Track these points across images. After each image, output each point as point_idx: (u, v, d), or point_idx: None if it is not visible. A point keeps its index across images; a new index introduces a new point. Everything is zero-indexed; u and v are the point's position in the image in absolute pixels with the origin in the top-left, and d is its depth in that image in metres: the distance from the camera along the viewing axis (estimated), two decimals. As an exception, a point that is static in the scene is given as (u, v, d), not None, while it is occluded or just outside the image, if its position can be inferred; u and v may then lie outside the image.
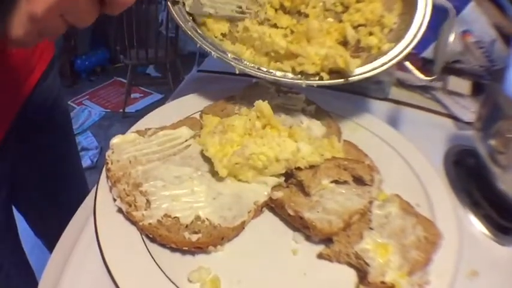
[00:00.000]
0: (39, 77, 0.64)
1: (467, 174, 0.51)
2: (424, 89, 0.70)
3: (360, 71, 0.48)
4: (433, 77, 0.52)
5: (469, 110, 0.63)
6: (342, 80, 0.48)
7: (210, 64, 0.81)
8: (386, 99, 0.68)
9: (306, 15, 0.55)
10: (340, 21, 0.54)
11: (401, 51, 0.48)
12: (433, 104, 0.67)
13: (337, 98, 0.65)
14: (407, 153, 0.51)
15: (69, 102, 2.79)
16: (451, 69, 0.68)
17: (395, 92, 0.69)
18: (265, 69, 0.50)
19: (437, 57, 0.53)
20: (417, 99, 0.68)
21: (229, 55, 0.51)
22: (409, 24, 0.50)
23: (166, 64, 2.65)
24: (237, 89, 0.56)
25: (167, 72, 2.65)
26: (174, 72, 2.63)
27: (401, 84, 0.71)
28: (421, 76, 0.52)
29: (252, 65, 0.51)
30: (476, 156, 0.49)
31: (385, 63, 0.48)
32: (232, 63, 0.50)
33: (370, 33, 0.52)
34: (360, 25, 0.53)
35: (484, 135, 0.47)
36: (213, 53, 0.50)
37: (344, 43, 0.53)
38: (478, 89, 0.66)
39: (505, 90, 0.44)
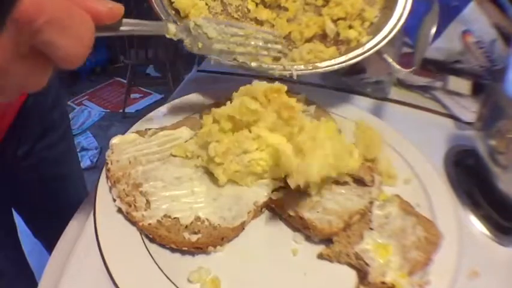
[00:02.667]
0: None
1: (467, 174, 0.51)
2: (424, 89, 0.70)
3: (336, 62, 0.50)
4: (412, 69, 0.52)
5: (469, 110, 0.63)
6: (319, 69, 0.50)
7: (210, 64, 0.80)
8: (386, 99, 0.68)
9: (286, 9, 0.56)
10: (320, 15, 0.55)
11: (378, 43, 0.50)
12: (433, 104, 0.67)
13: (337, 98, 0.65)
14: (407, 153, 0.51)
15: (69, 103, 2.78)
16: (451, 69, 0.68)
17: (395, 92, 0.69)
18: (240, 60, 0.50)
19: (418, 49, 0.54)
20: (417, 99, 0.68)
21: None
22: (389, 18, 0.51)
23: (166, 64, 2.65)
24: (237, 89, 0.56)
25: (167, 72, 2.65)
26: (174, 72, 2.63)
27: (401, 84, 0.71)
28: (399, 67, 0.52)
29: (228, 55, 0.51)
30: (476, 156, 0.49)
31: (360, 54, 0.50)
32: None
33: (350, 27, 0.53)
34: (339, 18, 0.54)
35: (484, 135, 0.47)
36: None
37: (323, 36, 0.55)
38: (478, 89, 0.65)
39: (505, 90, 0.44)
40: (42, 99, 0.66)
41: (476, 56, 0.65)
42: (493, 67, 0.64)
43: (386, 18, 0.51)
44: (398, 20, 0.50)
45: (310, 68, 0.50)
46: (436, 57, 0.68)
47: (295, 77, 0.50)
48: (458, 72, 0.67)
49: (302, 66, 0.51)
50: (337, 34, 0.54)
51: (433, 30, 0.51)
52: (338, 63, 0.50)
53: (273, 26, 0.56)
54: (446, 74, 0.68)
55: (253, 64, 0.50)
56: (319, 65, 0.50)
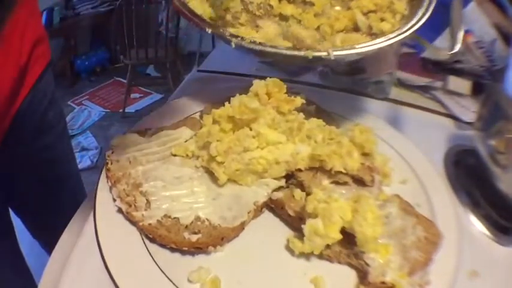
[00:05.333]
0: (34, 83, 0.64)
1: (467, 174, 0.51)
2: (424, 89, 0.70)
3: (376, 42, 0.45)
4: (454, 50, 0.49)
5: (469, 110, 0.63)
6: (358, 49, 0.44)
7: (210, 64, 0.81)
8: (386, 99, 0.68)
9: (312, 4, 0.53)
10: (349, 8, 0.53)
11: (415, 24, 0.46)
12: (433, 104, 0.67)
13: (337, 98, 0.65)
14: (407, 153, 0.51)
15: (69, 102, 2.79)
16: (451, 69, 0.68)
17: (395, 92, 0.69)
18: (267, 44, 0.45)
19: (455, 26, 0.50)
20: (417, 99, 0.68)
21: (227, 32, 0.47)
22: (418, 8, 0.48)
23: (166, 64, 2.65)
24: (237, 89, 0.56)
25: (167, 72, 2.65)
26: (174, 72, 2.63)
27: (401, 84, 0.71)
28: (440, 49, 0.50)
29: (252, 40, 0.45)
30: (476, 156, 0.48)
31: (400, 34, 0.45)
32: (228, 37, 0.46)
33: (382, 19, 0.51)
34: (370, 11, 0.52)
35: (484, 135, 0.47)
36: (207, 28, 0.46)
37: (355, 30, 0.52)
38: (478, 89, 0.65)
39: (505, 90, 0.44)
40: (38, 100, 0.66)
41: (476, 56, 0.65)
42: (493, 67, 0.64)
43: (416, 9, 0.49)
44: (429, 4, 0.48)
45: (348, 47, 0.45)
46: (436, 57, 0.68)
47: (332, 57, 0.43)
48: (458, 72, 0.67)
49: (339, 49, 0.45)
50: (370, 28, 0.51)
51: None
52: (379, 43, 0.44)
53: (299, 21, 0.53)
54: (446, 74, 0.68)
55: (284, 50, 0.44)
56: (357, 46, 0.45)
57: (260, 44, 0.44)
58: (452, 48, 0.49)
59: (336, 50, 0.43)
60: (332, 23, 0.51)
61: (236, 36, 0.45)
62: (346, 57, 0.45)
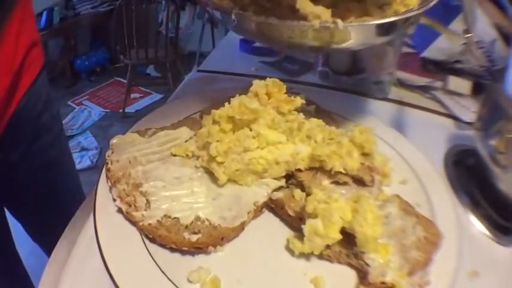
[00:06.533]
0: (29, 86, 0.64)
1: (467, 174, 0.51)
2: (424, 89, 0.70)
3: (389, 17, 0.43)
4: (470, 34, 0.50)
5: (469, 110, 0.63)
6: (371, 22, 0.43)
7: (210, 64, 0.81)
8: (386, 99, 0.68)
9: None
10: (359, 1, 0.51)
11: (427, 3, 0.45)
12: (433, 104, 0.67)
13: (337, 98, 0.65)
14: (407, 153, 0.51)
15: (69, 102, 2.79)
16: (451, 69, 0.68)
17: (395, 92, 0.69)
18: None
19: (468, 12, 0.51)
20: (417, 99, 0.68)
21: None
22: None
23: (166, 64, 2.65)
24: (237, 89, 0.56)
25: (167, 72, 2.66)
26: (174, 72, 2.64)
27: (401, 84, 0.71)
28: (456, 35, 0.50)
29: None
30: (476, 156, 0.49)
31: (415, 10, 0.44)
32: (228, 8, 0.44)
33: (395, 12, 0.50)
34: (384, 4, 0.50)
35: (484, 135, 0.47)
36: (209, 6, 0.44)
37: None
38: (478, 89, 0.65)
39: (505, 90, 0.44)
40: (33, 103, 0.66)
41: (476, 56, 0.65)
42: (493, 67, 0.64)
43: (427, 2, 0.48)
44: None
45: (357, 21, 0.43)
46: (436, 57, 0.68)
47: (341, 27, 0.41)
48: (458, 72, 0.67)
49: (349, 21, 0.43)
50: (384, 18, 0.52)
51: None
52: (389, 17, 0.43)
53: None
54: (446, 74, 0.68)
55: (288, 22, 0.42)
56: (368, 19, 0.44)
57: (263, 16, 0.42)
58: (468, 32, 0.49)
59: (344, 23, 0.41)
60: (343, 14, 0.48)
61: (238, 11, 0.43)
62: (356, 34, 0.43)
